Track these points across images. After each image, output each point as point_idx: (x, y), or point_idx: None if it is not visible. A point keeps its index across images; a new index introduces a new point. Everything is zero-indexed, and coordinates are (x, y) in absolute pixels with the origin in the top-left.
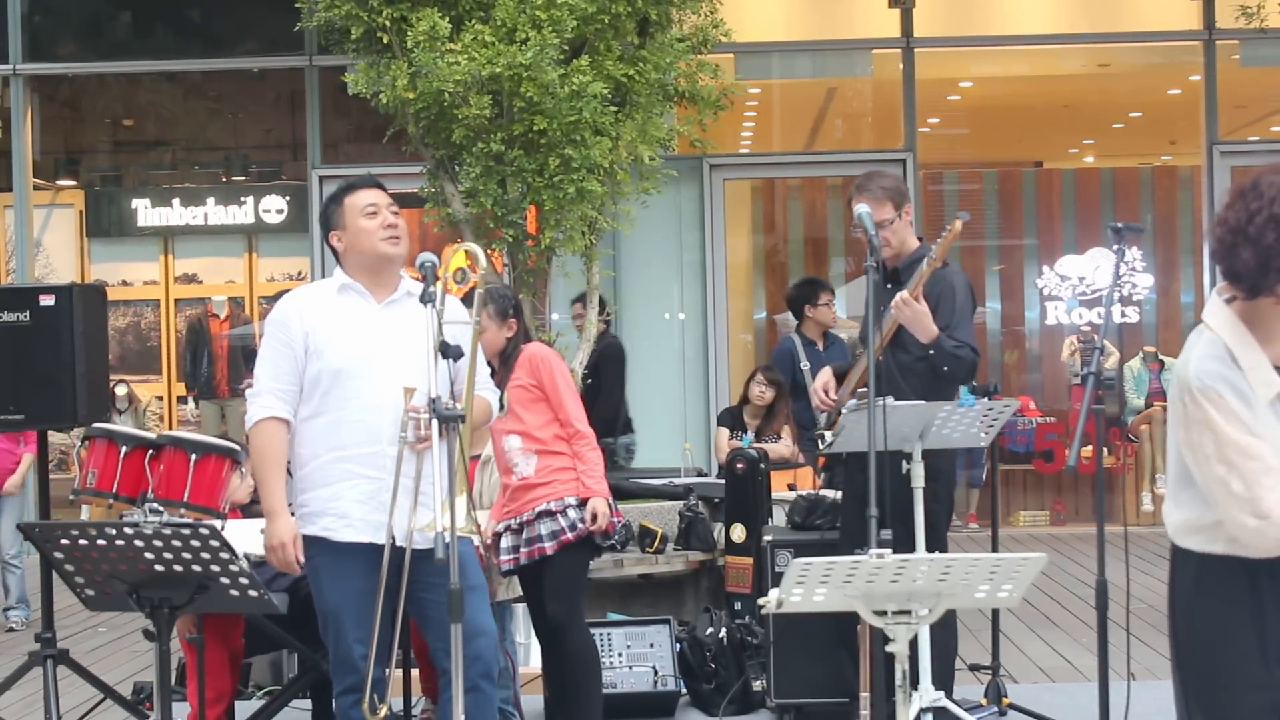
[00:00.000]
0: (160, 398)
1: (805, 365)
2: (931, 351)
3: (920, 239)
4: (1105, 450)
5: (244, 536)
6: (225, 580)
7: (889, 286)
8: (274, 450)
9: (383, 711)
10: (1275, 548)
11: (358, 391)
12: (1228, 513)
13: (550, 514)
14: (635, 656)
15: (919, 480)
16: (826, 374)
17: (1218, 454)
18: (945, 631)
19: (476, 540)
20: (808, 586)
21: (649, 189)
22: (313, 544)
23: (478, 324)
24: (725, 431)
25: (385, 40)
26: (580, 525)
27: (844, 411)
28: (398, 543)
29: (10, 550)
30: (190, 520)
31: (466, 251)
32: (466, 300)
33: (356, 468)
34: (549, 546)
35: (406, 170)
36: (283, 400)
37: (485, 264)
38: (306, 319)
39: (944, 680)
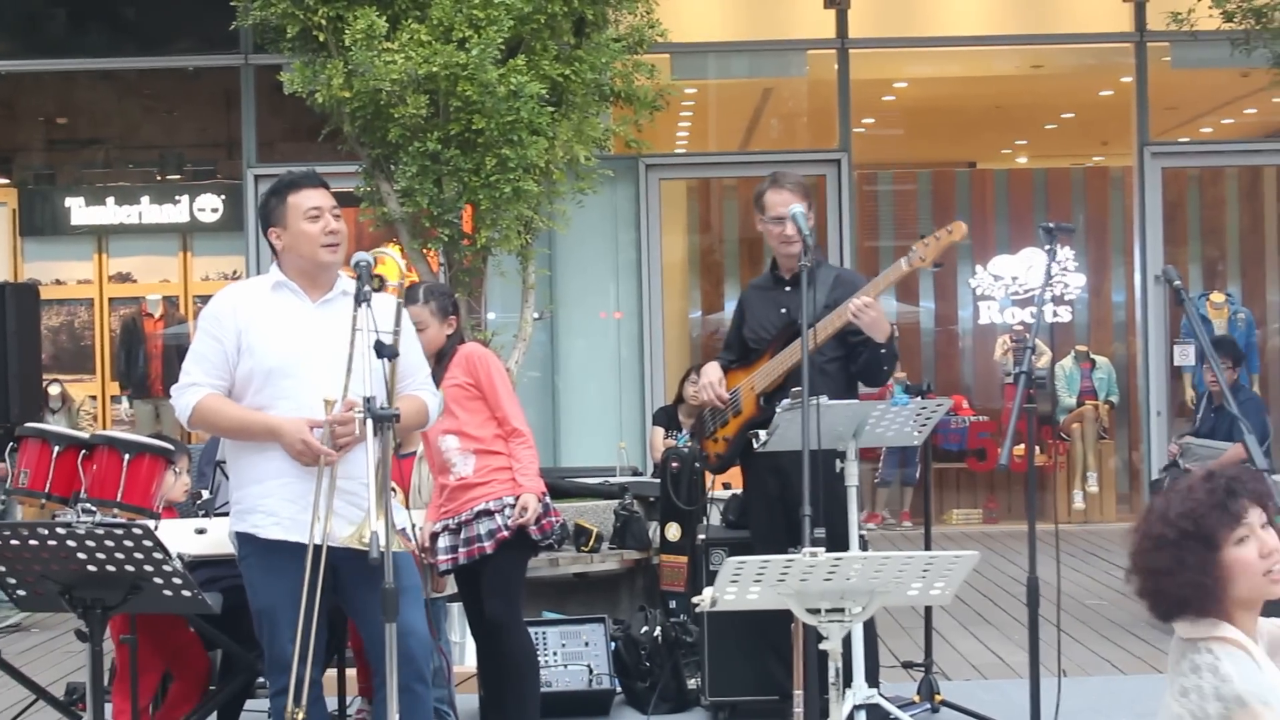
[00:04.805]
0: (94, 397)
1: None
2: (883, 350)
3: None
4: (1037, 449)
5: (178, 537)
6: (158, 580)
7: (787, 290)
8: (230, 407)
9: (299, 716)
10: None
11: (290, 390)
12: None
13: (489, 513)
14: (570, 655)
15: (853, 479)
16: (716, 371)
17: None
18: (869, 625)
19: (404, 545)
20: (742, 585)
21: (585, 189)
22: (245, 541)
23: (397, 333)
24: (660, 430)
25: (321, 39)
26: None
27: (779, 410)
28: (328, 544)
29: None
30: (123, 520)
31: (390, 258)
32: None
33: (288, 466)
34: (489, 545)
35: (342, 169)
36: (214, 389)
37: (403, 271)
38: (240, 315)
39: (872, 674)
